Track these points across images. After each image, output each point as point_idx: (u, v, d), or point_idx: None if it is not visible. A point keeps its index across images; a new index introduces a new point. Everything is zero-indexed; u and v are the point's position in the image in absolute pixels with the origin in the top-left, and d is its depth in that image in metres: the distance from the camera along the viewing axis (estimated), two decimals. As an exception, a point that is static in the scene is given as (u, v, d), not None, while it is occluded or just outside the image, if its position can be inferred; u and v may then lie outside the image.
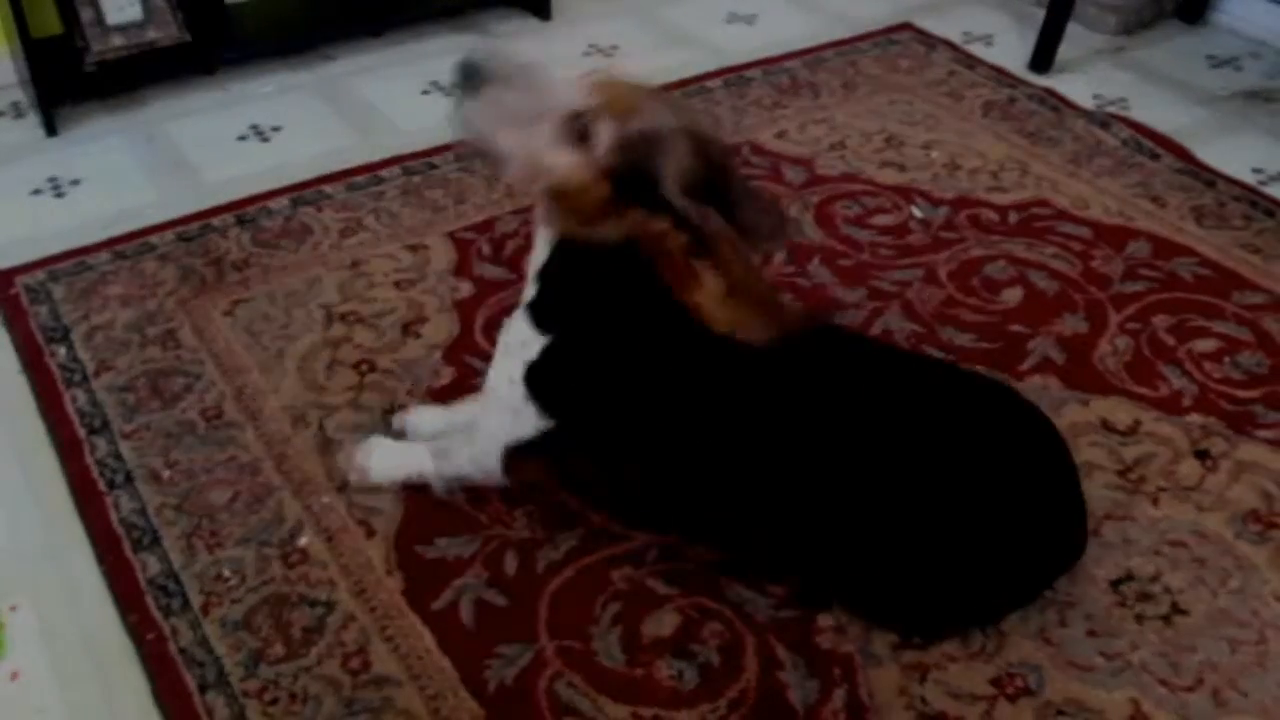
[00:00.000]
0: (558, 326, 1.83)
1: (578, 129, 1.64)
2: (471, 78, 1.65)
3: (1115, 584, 1.94)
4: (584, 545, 1.98)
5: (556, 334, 1.84)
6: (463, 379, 2.30)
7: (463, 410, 2.15)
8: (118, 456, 2.11)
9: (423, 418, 2.16)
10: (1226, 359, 2.42)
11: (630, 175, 1.65)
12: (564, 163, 1.65)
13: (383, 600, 1.88)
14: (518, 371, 1.87)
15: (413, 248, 2.66)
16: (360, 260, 2.60)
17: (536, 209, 1.81)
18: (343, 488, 2.03)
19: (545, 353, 1.85)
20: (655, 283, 1.71)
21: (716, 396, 1.83)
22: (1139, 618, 1.90)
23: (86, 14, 3.08)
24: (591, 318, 1.82)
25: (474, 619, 1.86)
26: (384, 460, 2.05)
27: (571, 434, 1.96)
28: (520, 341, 1.86)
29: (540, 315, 1.85)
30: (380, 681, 1.76)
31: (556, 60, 3.47)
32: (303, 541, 1.96)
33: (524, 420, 1.91)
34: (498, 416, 1.93)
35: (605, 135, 1.63)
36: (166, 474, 2.09)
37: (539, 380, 1.87)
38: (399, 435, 2.14)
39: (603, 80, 1.69)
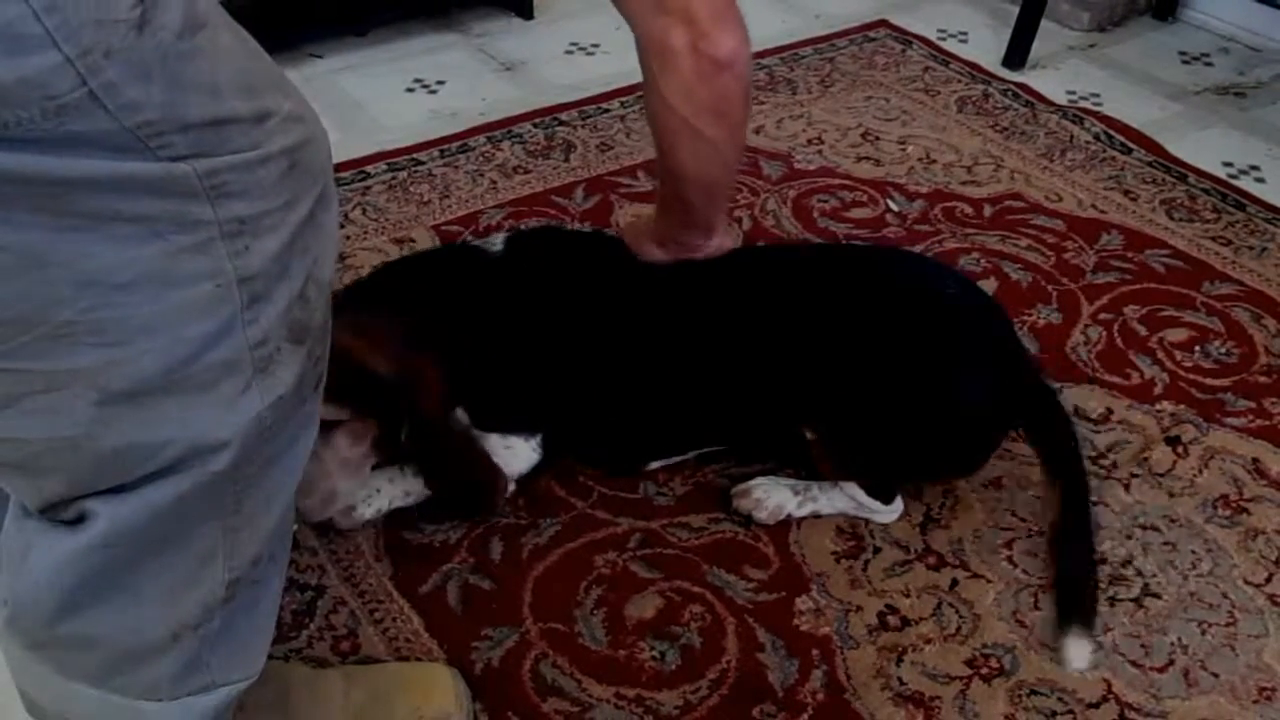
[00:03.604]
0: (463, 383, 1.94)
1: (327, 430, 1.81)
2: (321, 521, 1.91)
3: (1087, 567, 1.98)
4: (567, 531, 2.00)
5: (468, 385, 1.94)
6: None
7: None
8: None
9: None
10: (1197, 348, 2.45)
11: (363, 400, 1.84)
12: (350, 446, 1.89)
13: (371, 584, 1.90)
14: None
15: (398, 240, 2.68)
16: (347, 253, 2.61)
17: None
18: (327, 534, 2.00)
19: (489, 395, 1.96)
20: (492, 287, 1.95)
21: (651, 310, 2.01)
22: (1111, 600, 1.93)
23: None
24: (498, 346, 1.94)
25: (460, 602, 1.88)
26: (364, 493, 1.99)
27: (558, 425, 2.02)
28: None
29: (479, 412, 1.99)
30: (369, 664, 1.78)
31: (540, 59, 3.50)
32: (294, 529, 1.98)
33: (520, 451, 2.01)
34: (501, 462, 1.99)
35: (326, 411, 1.78)
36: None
37: (502, 414, 1.99)
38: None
39: None
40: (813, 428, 1.97)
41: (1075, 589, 1.88)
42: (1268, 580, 1.98)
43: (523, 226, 2.69)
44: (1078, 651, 1.82)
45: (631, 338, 1.96)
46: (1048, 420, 1.98)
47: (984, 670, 1.82)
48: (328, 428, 1.80)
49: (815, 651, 1.83)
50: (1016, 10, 3.53)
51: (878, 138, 3.17)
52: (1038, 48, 3.56)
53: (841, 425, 1.95)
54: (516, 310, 1.92)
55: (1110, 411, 2.28)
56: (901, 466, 2.01)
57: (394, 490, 2.00)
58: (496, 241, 1.98)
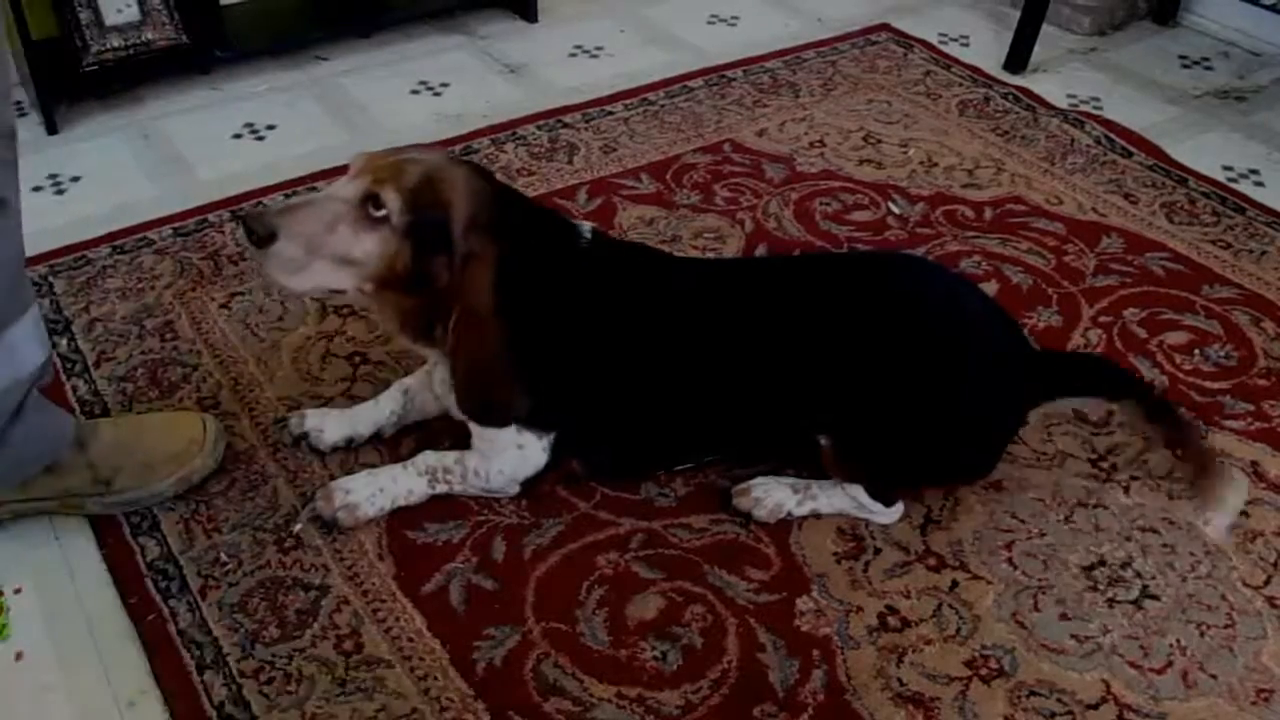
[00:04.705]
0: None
1: (366, 214, 1.78)
2: (256, 232, 1.77)
3: (1087, 569, 1.99)
4: (569, 531, 2.01)
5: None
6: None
7: (363, 415, 2.17)
8: (116, 445, 2.13)
9: (323, 423, 2.16)
10: (1196, 351, 2.46)
11: (423, 225, 1.79)
12: (369, 245, 1.79)
13: (374, 584, 1.91)
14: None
15: (402, 242, 2.67)
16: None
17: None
18: (330, 532, 2.01)
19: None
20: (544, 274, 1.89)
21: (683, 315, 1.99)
22: (1110, 602, 1.94)
23: (85, 15, 3.10)
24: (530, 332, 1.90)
25: (463, 602, 1.89)
26: (367, 491, 2.01)
27: (575, 426, 2.03)
28: None
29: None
30: (372, 662, 1.80)
31: (543, 61, 3.52)
32: (297, 528, 2.00)
33: (530, 452, 2.00)
34: (501, 459, 2.01)
35: (392, 202, 1.76)
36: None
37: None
38: (298, 439, 2.17)
39: (363, 161, 1.84)
40: (828, 434, 1.98)
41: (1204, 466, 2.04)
42: (1266, 582, 1.98)
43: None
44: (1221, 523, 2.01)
45: (661, 347, 1.97)
46: (1076, 374, 2.04)
47: (983, 671, 1.82)
48: (358, 208, 1.79)
49: (816, 652, 1.84)
50: (1018, 14, 3.54)
51: (879, 141, 3.18)
52: (1038, 52, 3.57)
53: (858, 433, 1.96)
54: (568, 306, 1.93)
55: (1110, 414, 2.28)
56: (915, 473, 2.05)
57: (397, 489, 2.02)
58: (585, 231, 1.98)
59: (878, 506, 2.02)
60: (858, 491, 2.01)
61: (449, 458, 2.03)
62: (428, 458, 2.05)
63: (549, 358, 1.92)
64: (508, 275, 1.82)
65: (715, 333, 1.97)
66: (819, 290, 1.99)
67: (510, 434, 1.98)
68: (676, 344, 1.97)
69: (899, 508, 2.05)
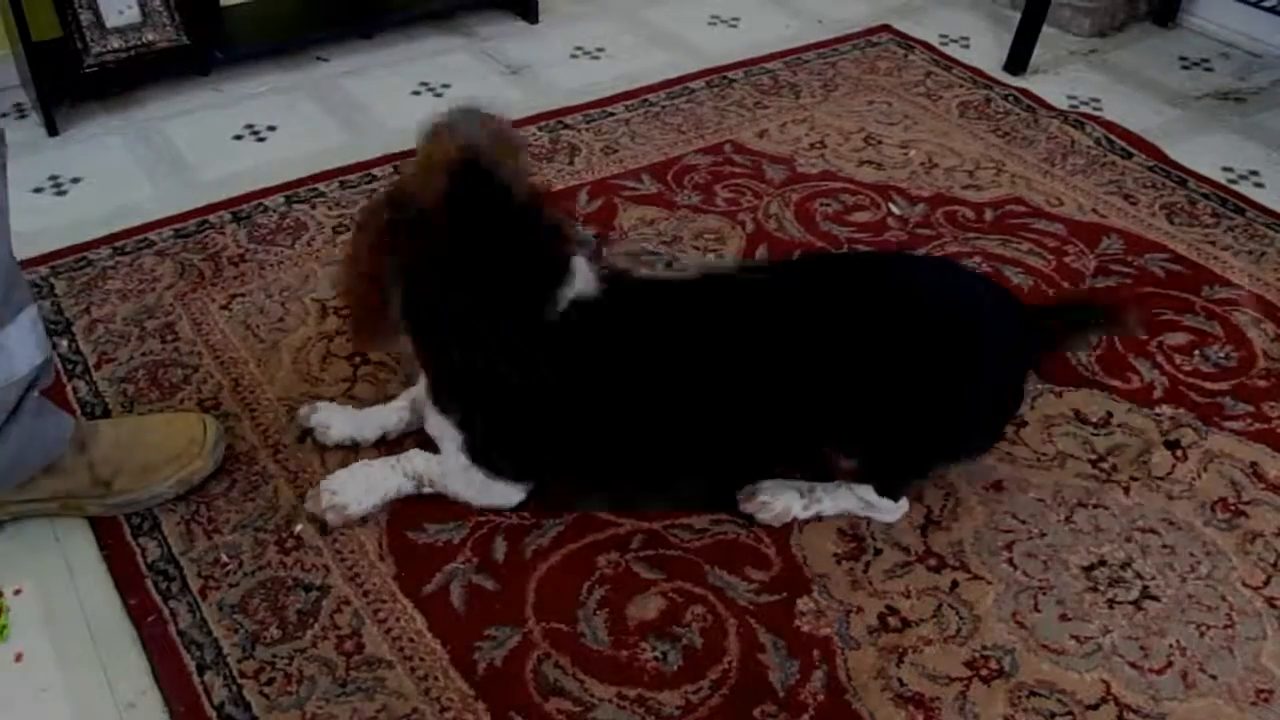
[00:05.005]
0: (462, 400, 1.95)
1: None
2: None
3: (1087, 570, 1.98)
4: (570, 531, 2.01)
5: (467, 407, 1.95)
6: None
7: (371, 418, 2.17)
8: (117, 446, 2.14)
9: (331, 419, 2.16)
10: (1196, 352, 2.46)
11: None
12: None
13: (375, 585, 1.91)
14: (463, 461, 1.99)
15: (403, 244, 2.67)
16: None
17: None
18: (326, 532, 2.01)
19: (472, 430, 1.95)
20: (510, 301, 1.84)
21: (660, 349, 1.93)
22: (1110, 602, 1.93)
23: (85, 16, 3.10)
24: (484, 371, 1.88)
25: (463, 602, 1.89)
26: (355, 491, 2.01)
27: (553, 464, 2.04)
28: (444, 435, 2.01)
29: (439, 397, 1.98)
30: (373, 663, 1.80)
31: (544, 63, 3.52)
32: (298, 528, 2.00)
33: (498, 492, 2.03)
34: (478, 493, 2.03)
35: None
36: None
37: (489, 455, 1.98)
38: (304, 432, 2.17)
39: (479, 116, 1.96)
40: (842, 443, 1.99)
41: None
42: (1266, 583, 1.98)
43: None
44: None
45: (664, 396, 1.93)
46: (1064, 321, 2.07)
47: (984, 672, 1.82)
48: None
49: (816, 652, 1.84)
50: (1018, 16, 3.54)
51: (880, 142, 3.18)
52: (1039, 53, 3.57)
53: (870, 439, 1.96)
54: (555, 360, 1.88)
55: (1110, 415, 2.29)
56: (926, 462, 2.06)
57: (387, 486, 2.03)
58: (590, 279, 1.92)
59: (885, 503, 2.02)
60: (866, 491, 2.01)
61: (435, 469, 2.04)
62: (415, 463, 2.04)
63: (530, 415, 1.93)
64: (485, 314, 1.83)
65: (720, 370, 1.92)
66: (821, 294, 1.98)
67: (475, 473, 1.99)
68: (680, 390, 1.93)
69: (904, 504, 2.05)
